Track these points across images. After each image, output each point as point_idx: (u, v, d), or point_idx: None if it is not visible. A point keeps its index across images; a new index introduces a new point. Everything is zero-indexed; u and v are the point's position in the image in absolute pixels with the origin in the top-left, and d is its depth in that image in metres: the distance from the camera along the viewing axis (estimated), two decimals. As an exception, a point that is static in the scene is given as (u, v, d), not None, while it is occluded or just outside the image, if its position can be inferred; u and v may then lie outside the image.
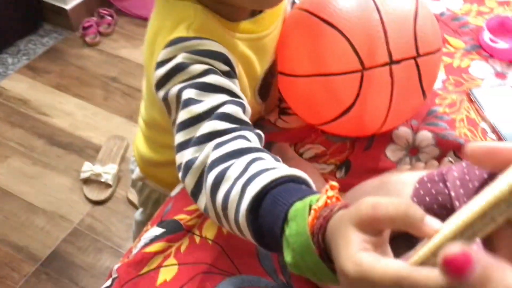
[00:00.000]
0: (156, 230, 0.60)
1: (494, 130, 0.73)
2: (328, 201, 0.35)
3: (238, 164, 0.43)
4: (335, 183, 0.36)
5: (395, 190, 0.54)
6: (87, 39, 1.88)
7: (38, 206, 1.39)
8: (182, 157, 0.48)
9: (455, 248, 0.22)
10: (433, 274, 0.24)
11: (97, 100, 1.69)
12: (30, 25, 1.93)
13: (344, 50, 0.57)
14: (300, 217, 0.35)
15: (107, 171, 1.43)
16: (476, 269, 0.22)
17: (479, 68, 0.84)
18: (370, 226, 0.29)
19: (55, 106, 1.67)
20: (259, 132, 0.49)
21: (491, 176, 0.47)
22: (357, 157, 0.69)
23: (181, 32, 0.52)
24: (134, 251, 0.59)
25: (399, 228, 0.28)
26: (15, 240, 1.32)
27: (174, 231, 0.60)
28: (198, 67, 0.50)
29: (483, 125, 0.74)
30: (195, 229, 0.61)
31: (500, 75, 0.83)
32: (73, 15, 1.90)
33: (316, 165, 0.68)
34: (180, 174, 0.48)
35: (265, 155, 0.44)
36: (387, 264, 0.26)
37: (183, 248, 0.59)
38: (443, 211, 0.49)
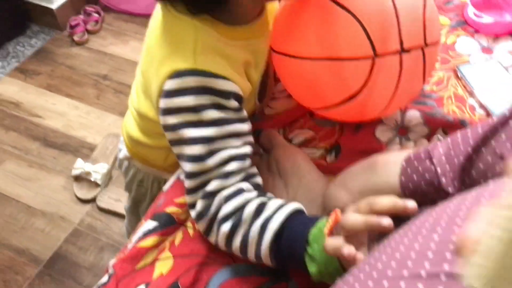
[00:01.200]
0: (149, 224, 0.60)
1: (481, 106, 0.73)
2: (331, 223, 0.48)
3: (248, 212, 0.52)
4: (338, 213, 0.48)
5: (384, 171, 0.54)
6: (75, 37, 1.87)
7: (37, 208, 1.40)
8: (194, 203, 0.56)
9: None
10: None
11: (89, 99, 1.69)
12: (18, 26, 1.92)
13: (357, 35, 0.55)
14: (320, 239, 0.48)
15: (97, 170, 1.43)
16: None
17: (465, 44, 0.84)
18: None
19: (47, 107, 1.66)
20: (258, 182, 0.57)
21: (475, 150, 0.47)
22: (346, 140, 0.70)
23: (188, 61, 0.53)
24: (129, 246, 0.59)
25: None
26: (16, 243, 1.33)
27: (167, 225, 0.60)
28: (210, 114, 0.53)
29: (471, 101, 0.74)
30: (188, 222, 0.61)
31: (487, 50, 0.83)
32: (59, 14, 1.89)
33: (306, 150, 0.68)
34: (193, 216, 0.56)
35: (267, 199, 0.54)
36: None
37: (177, 241, 0.59)
38: (431, 188, 0.50)
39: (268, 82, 0.68)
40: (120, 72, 1.77)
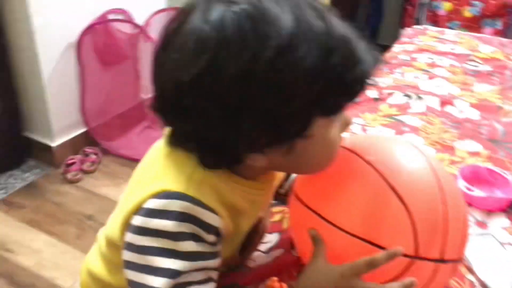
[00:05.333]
0: None
1: (482, 284, 0.69)
2: None
3: None
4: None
5: None
6: (69, 175, 1.87)
7: None
8: None
9: None
10: None
11: (69, 238, 1.61)
12: (14, 160, 1.94)
13: (404, 231, 0.53)
14: None
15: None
16: None
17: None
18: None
19: (23, 242, 1.58)
20: None
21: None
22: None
23: (180, 184, 0.50)
24: None
25: None
26: None
27: None
28: (186, 246, 0.50)
29: (470, 277, 0.70)
30: None
31: (481, 224, 0.81)
32: (58, 153, 1.92)
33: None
34: None
35: None
36: None
37: None
38: None
39: (255, 238, 0.65)
40: (106, 214, 1.69)
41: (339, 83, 0.47)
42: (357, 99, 0.52)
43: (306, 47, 0.45)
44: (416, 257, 0.53)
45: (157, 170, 0.54)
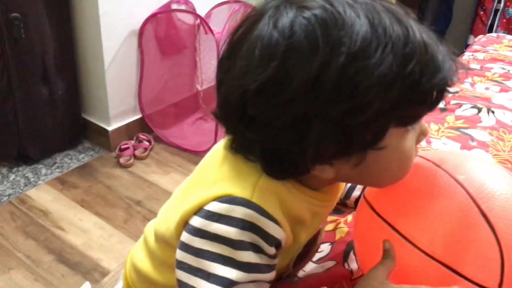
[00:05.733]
0: None
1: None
2: None
3: None
4: None
5: None
6: (121, 160, 1.91)
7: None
8: None
9: None
10: None
11: (117, 222, 1.65)
12: (71, 141, 2.00)
13: (491, 264, 0.48)
14: None
15: (104, 299, 1.32)
16: None
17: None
18: None
19: (73, 221, 1.63)
20: None
21: None
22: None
23: (246, 191, 0.48)
24: None
25: None
26: None
27: None
28: (246, 256, 0.48)
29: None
30: None
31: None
32: (112, 137, 1.97)
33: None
34: None
35: None
36: None
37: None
38: None
39: (312, 250, 0.63)
40: (155, 200, 1.75)
41: (416, 91, 0.44)
42: (435, 108, 0.48)
43: (381, 53, 0.42)
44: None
45: (221, 172, 0.52)
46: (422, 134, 0.51)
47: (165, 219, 0.59)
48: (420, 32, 0.45)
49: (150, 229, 0.64)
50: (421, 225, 0.51)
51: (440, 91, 0.46)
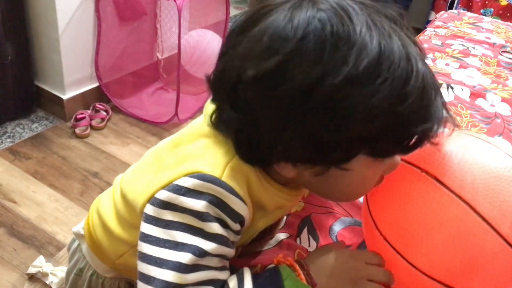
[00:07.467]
0: None
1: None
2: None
3: None
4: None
5: None
6: (77, 130, 1.84)
7: (-24, 305, 1.22)
8: None
9: None
10: None
11: (73, 194, 1.59)
12: (24, 109, 1.90)
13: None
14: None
15: (56, 273, 1.27)
16: None
17: None
18: None
19: (26, 194, 1.56)
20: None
21: None
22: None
23: (217, 169, 0.50)
24: None
25: None
26: None
27: None
28: (213, 227, 0.49)
29: None
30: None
31: None
32: (68, 106, 1.89)
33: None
34: None
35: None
36: None
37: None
38: None
39: (266, 238, 0.65)
40: (112, 172, 1.70)
41: (397, 131, 0.45)
42: (410, 153, 0.49)
43: (378, 84, 0.42)
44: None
45: (195, 148, 0.52)
46: (392, 168, 0.52)
47: (133, 183, 0.58)
48: (423, 76, 0.44)
49: (118, 189, 0.63)
50: (428, 253, 0.51)
51: (419, 141, 0.47)
